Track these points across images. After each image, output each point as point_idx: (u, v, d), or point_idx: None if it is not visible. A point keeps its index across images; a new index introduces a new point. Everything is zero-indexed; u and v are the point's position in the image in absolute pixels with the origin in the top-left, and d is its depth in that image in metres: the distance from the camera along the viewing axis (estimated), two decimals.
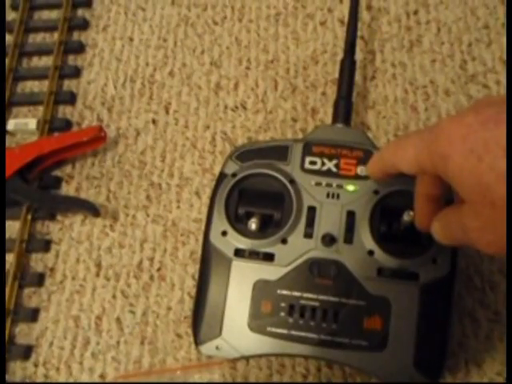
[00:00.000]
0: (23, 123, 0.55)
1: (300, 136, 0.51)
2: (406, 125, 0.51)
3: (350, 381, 0.42)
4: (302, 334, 0.38)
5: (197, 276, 0.42)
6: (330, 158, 0.41)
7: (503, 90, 0.51)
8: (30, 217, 0.51)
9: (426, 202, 0.34)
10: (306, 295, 0.38)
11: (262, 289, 0.39)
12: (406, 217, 0.37)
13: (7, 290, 0.47)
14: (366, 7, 0.57)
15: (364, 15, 0.56)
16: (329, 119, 0.47)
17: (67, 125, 0.55)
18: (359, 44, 0.54)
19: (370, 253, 0.38)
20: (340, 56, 0.49)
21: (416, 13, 0.56)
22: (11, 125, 0.55)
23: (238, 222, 0.40)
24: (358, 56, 0.53)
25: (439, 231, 0.32)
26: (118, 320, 0.47)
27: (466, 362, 0.42)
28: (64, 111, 0.56)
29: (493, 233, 0.27)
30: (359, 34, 0.55)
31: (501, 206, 0.26)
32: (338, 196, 0.40)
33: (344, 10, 0.56)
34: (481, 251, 0.29)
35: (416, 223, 0.36)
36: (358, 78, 0.53)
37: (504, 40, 0.53)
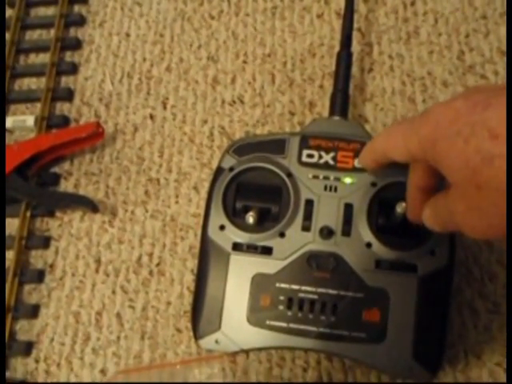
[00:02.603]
0: (21, 120, 0.55)
1: (298, 129, 0.51)
2: (403, 117, 0.51)
3: (349, 374, 0.42)
4: (301, 326, 0.38)
5: (196, 271, 0.42)
6: (327, 151, 0.41)
7: (501, 81, 0.51)
8: (29, 214, 0.51)
9: (418, 193, 0.34)
10: (304, 288, 0.38)
11: (260, 282, 0.39)
12: (399, 208, 0.37)
13: (8, 286, 0.48)
14: None
15: (361, 7, 0.56)
16: (326, 112, 0.47)
17: (65, 121, 0.55)
18: (356, 36, 0.54)
19: (368, 245, 0.38)
20: (337, 48, 0.48)
21: (413, 4, 0.55)
22: (9, 122, 0.55)
23: (235, 216, 0.40)
24: (356, 48, 0.53)
25: (429, 217, 0.32)
26: (118, 315, 0.47)
27: (466, 353, 0.42)
28: (62, 108, 0.56)
29: (478, 216, 0.27)
30: (356, 26, 0.54)
31: (486, 189, 0.26)
32: (336, 189, 0.40)
33: (341, 3, 0.56)
34: (467, 236, 0.29)
35: (408, 214, 0.36)
36: (355, 70, 0.53)
37: (502, 30, 0.53)
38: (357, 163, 0.41)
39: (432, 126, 0.28)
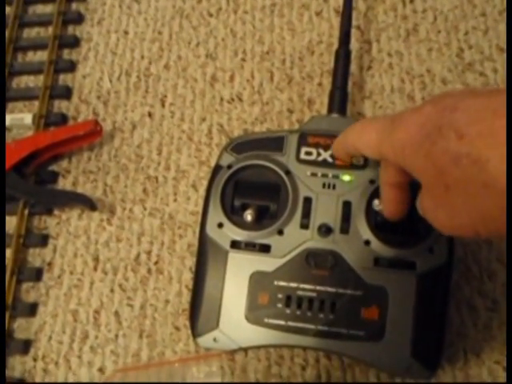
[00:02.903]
0: (19, 118, 0.55)
1: (296, 127, 0.51)
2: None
3: (348, 371, 0.42)
4: (300, 324, 0.38)
5: (194, 269, 0.42)
6: (326, 149, 0.41)
7: (500, 78, 0.51)
8: (26, 212, 0.51)
9: (391, 190, 0.35)
10: (302, 286, 0.38)
11: (258, 280, 0.39)
12: (376, 206, 0.37)
13: (6, 285, 0.47)
14: None
15: (360, 4, 0.56)
16: (325, 109, 0.47)
17: (63, 119, 0.55)
18: (355, 34, 0.54)
19: (367, 243, 0.38)
20: (336, 46, 0.48)
21: (412, 1, 0.55)
22: (7, 120, 0.55)
23: (233, 213, 0.40)
24: (354, 46, 0.53)
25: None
26: (117, 313, 0.47)
27: (465, 351, 0.42)
28: (60, 106, 0.56)
29: (446, 214, 0.28)
30: (355, 23, 0.54)
31: (454, 189, 0.26)
32: (334, 186, 0.40)
33: (339, 0, 0.56)
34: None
35: (384, 211, 0.36)
36: (354, 67, 0.52)
37: (501, 28, 0.53)
38: (355, 161, 0.40)
39: (403, 131, 0.29)
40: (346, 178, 0.40)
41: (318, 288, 0.38)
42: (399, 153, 0.29)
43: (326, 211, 0.39)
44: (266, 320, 0.38)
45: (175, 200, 0.50)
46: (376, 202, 0.37)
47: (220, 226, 0.40)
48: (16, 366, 0.46)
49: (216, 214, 0.40)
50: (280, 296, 0.38)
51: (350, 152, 0.36)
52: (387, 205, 0.36)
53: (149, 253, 0.48)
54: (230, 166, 0.41)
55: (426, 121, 0.28)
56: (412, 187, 0.34)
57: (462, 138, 0.26)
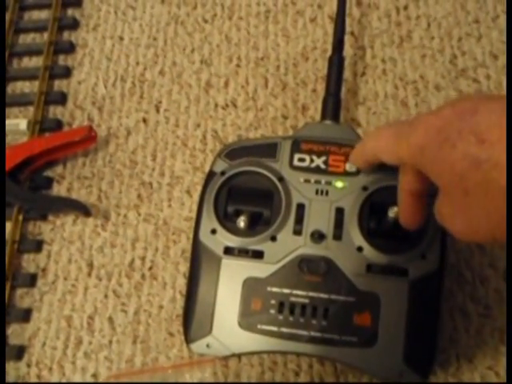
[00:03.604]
0: (14, 124, 0.55)
1: (291, 133, 0.51)
2: (396, 120, 0.51)
3: (341, 377, 0.42)
4: (292, 331, 0.38)
5: (187, 274, 0.42)
6: (319, 155, 0.41)
7: (493, 85, 0.51)
8: (21, 217, 0.51)
9: (409, 197, 0.34)
10: (295, 292, 0.38)
11: (251, 286, 0.39)
12: (391, 213, 0.37)
13: None
14: (356, 3, 0.56)
15: (354, 11, 0.56)
16: (319, 116, 0.47)
17: (58, 125, 0.55)
18: (349, 40, 0.54)
19: (359, 249, 0.38)
20: (330, 52, 0.48)
21: (406, 8, 0.56)
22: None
23: (227, 220, 0.40)
24: (348, 52, 0.53)
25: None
26: (111, 319, 0.47)
27: (457, 356, 0.42)
28: (55, 111, 0.56)
29: (465, 220, 0.28)
30: (349, 29, 0.55)
31: (474, 194, 0.26)
32: (327, 193, 0.40)
33: (334, 6, 0.56)
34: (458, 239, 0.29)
35: (400, 219, 0.36)
36: (348, 74, 0.53)
37: (494, 34, 0.53)
38: (348, 167, 0.41)
39: (421, 134, 0.29)
40: (339, 184, 0.40)
41: (311, 294, 0.38)
42: (417, 156, 0.29)
43: (319, 217, 0.40)
44: (259, 326, 0.38)
45: (169, 206, 0.50)
46: (394, 208, 0.37)
47: (213, 232, 0.40)
48: (10, 371, 0.46)
49: (209, 221, 0.40)
50: (273, 302, 0.38)
51: (368, 159, 0.35)
52: (404, 213, 0.35)
53: (143, 258, 0.49)
54: (223, 173, 0.42)
55: (444, 124, 0.27)
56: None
57: (483, 143, 0.25)
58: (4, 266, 0.48)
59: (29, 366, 0.46)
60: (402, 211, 0.35)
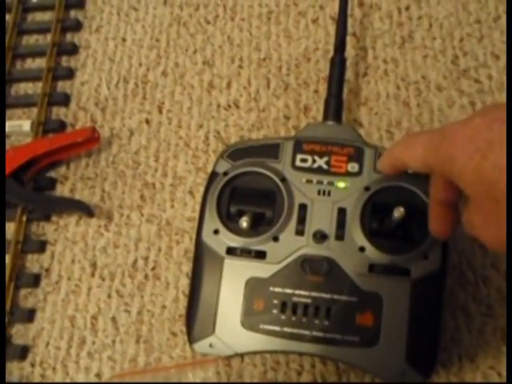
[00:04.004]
0: (17, 125, 0.55)
1: (293, 133, 0.51)
2: (398, 121, 0.51)
3: (344, 377, 0.43)
4: (295, 330, 0.38)
5: (190, 274, 0.42)
6: (321, 156, 0.41)
7: (495, 85, 0.51)
8: (25, 218, 0.51)
9: (438, 207, 0.34)
10: (298, 292, 0.39)
11: (254, 286, 0.39)
12: (397, 213, 0.37)
13: None
14: (358, 3, 0.57)
15: (356, 12, 0.56)
16: (321, 116, 0.47)
17: (61, 126, 0.55)
18: (351, 41, 0.54)
19: (362, 249, 0.39)
20: (332, 53, 0.49)
21: (407, 8, 0.56)
22: (6, 127, 0.55)
23: (229, 220, 0.41)
24: (350, 53, 0.54)
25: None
26: (114, 319, 0.47)
27: (459, 356, 0.42)
28: (58, 112, 0.56)
29: (496, 228, 0.28)
30: (351, 30, 0.55)
31: (503, 202, 0.26)
32: (329, 193, 0.40)
33: (336, 7, 0.56)
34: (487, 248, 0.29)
35: (430, 229, 0.35)
36: (349, 74, 0.53)
37: (496, 35, 0.53)
38: (350, 168, 0.41)
39: (451, 143, 0.29)
40: (341, 184, 0.40)
41: (313, 294, 0.38)
42: (447, 166, 0.29)
43: (321, 218, 0.40)
44: (261, 326, 0.38)
45: (172, 206, 0.50)
46: (401, 209, 0.37)
47: (216, 232, 0.40)
48: (14, 371, 0.46)
49: (212, 221, 0.40)
50: (275, 302, 0.39)
51: (397, 166, 0.35)
52: (434, 222, 0.35)
53: (146, 259, 0.49)
54: (226, 173, 0.42)
55: (475, 134, 0.27)
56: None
57: None
58: (4, 267, 0.49)
59: (33, 365, 0.47)
60: (432, 221, 0.35)
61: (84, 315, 0.47)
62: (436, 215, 0.35)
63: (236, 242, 0.40)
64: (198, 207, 0.48)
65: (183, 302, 0.46)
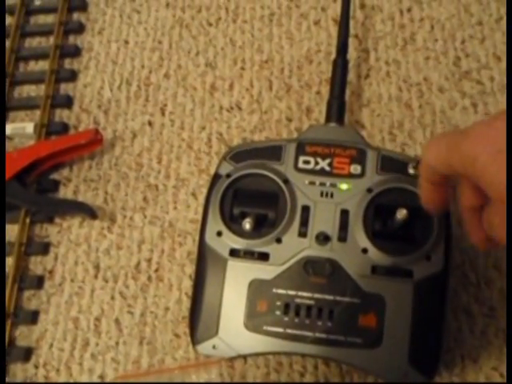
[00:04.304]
0: (21, 127, 0.55)
1: (295, 135, 0.52)
2: (400, 122, 0.51)
3: (347, 378, 0.43)
4: (298, 332, 0.38)
5: (193, 276, 0.42)
6: (324, 157, 0.42)
7: (497, 87, 0.51)
8: (28, 220, 0.51)
9: (470, 213, 0.34)
10: (300, 294, 0.39)
11: (257, 288, 0.39)
12: (399, 215, 0.37)
13: (7, 292, 0.48)
14: (360, 5, 0.57)
15: (358, 14, 0.56)
16: (324, 118, 0.47)
17: (64, 128, 0.55)
18: (353, 42, 0.55)
19: (364, 251, 0.39)
20: (334, 55, 0.49)
21: (409, 10, 0.56)
22: (9, 129, 0.55)
23: (232, 222, 0.41)
24: (352, 54, 0.54)
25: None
26: (117, 321, 0.47)
27: (462, 357, 0.42)
28: (61, 115, 0.57)
29: None
30: (353, 32, 0.55)
31: None
32: (332, 195, 0.40)
33: (338, 9, 0.56)
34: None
35: (471, 237, 0.35)
36: (352, 76, 0.53)
37: (497, 36, 0.53)
38: (353, 169, 0.41)
39: (473, 143, 0.29)
40: (344, 186, 0.41)
41: (316, 296, 0.38)
42: (469, 166, 0.29)
43: (324, 219, 0.40)
44: (264, 327, 0.39)
45: (175, 208, 0.51)
46: (403, 211, 0.37)
47: (219, 234, 0.40)
48: (17, 373, 0.47)
49: (215, 223, 0.41)
50: (278, 304, 0.39)
51: (426, 170, 0.34)
52: (470, 229, 0.34)
53: (149, 260, 0.49)
54: (228, 175, 0.42)
55: (497, 135, 0.28)
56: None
57: None
58: (4, 267, 0.49)
59: (36, 367, 0.47)
60: (468, 229, 0.34)
61: (87, 317, 0.48)
62: (470, 221, 0.34)
63: (239, 243, 0.40)
64: (200, 209, 0.48)
65: (186, 303, 0.47)
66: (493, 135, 0.28)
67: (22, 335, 0.48)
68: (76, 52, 0.59)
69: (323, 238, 0.39)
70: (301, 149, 0.42)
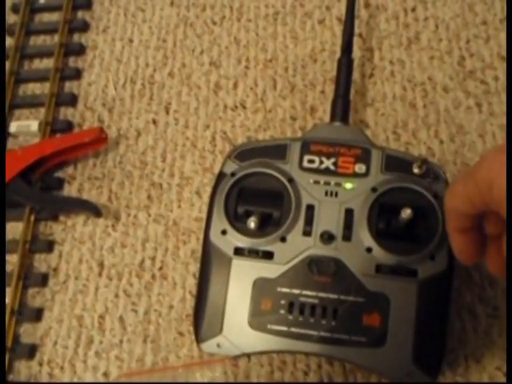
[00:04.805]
0: (25, 125, 0.55)
1: (299, 134, 0.52)
2: (404, 122, 0.51)
3: (350, 377, 0.43)
4: (302, 331, 0.38)
5: (198, 275, 0.42)
6: (328, 157, 0.42)
7: (501, 86, 0.51)
8: (33, 218, 0.51)
9: (494, 242, 0.33)
10: (305, 292, 0.39)
11: (261, 287, 0.39)
12: (404, 214, 0.37)
13: (12, 290, 0.48)
14: (364, 5, 0.57)
15: (362, 13, 0.56)
16: (328, 117, 0.47)
17: (69, 126, 0.56)
18: (357, 42, 0.55)
19: (369, 250, 0.39)
20: (338, 54, 0.49)
21: (414, 10, 0.56)
22: (13, 127, 0.55)
23: (237, 220, 0.41)
24: (357, 54, 0.54)
25: None
26: (121, 319, 0.47)
27: (466, 357, 0.42)
28: (65, 113, 0.57)
29: None
30: (357, 31, 0.55)
31: None
32: (337, 194, 0.41)
33: (342, 8, 0.56)
34: None
35: (489, 266, 0.34)
36: (356, 75, 0.53)
37: (502, 36, 0.53)
38: (357, 169, 0.41)
39: (487, 170, 0.29)
40: (349, 185, 0.41)
41: (321, 294, 0.39)
42: (486, 193, 0.29)
43: (329, 219, 0.40)
44: (268, 326, 0.39)
45: (179, 206, 0.51)
46: (407, 210, 0.37)
47: (224, 232, 0.40)
48: (22, 370, 0.47)
49: (220, 221, 0.41)
50: (283, 302, 0.39)
51: (450, 217, 0.33)
52: (489, 260, 0.34)
53: (153, 259, 0.49)
54: (233, 174, 0.42)
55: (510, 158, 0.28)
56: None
57: None
58: (4, 267, 0.49)
59: (40, 364, 0.47)
60: (486, 259, 0.34)
61: (91, 315, 0.48)
62: (491, 251, 0.33)
63: (243, 242, 0.40)
64: (204, 207, 0.49)
65: (190, 301, 0.47)
66: (505, 160, 0.28)
67: (27, 332, 0.48)
68: (80, 50, 0.59)
69: (328, 237, 0.39)
70: (305, 148, 0.42)
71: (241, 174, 0.42)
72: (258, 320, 0.39)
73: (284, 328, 0.38)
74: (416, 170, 0.40)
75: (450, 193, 0.32)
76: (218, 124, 0.54)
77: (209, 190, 0.50)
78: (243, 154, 0.43)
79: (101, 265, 0.49)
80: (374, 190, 0.40)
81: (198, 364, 0.44)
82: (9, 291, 0.48)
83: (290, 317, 0.39)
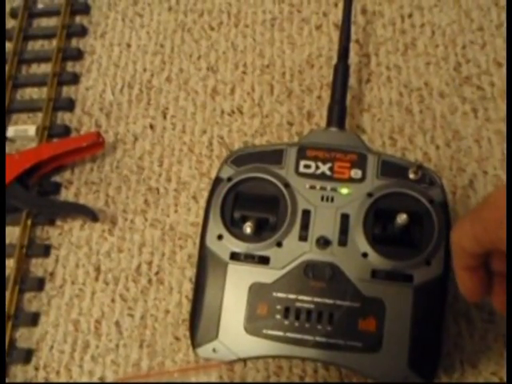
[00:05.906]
0: (22, 130, 0.55)
1: (296, 139, 0.52)
2: (400, 127, 0.51)
3: (346, 381, 0.43)
4: (298, 335, 0.38)
5: (194, 279, 0.42)
6: (324, 162, 0.42)
7: (497, 92, 0.51)
8: (29, 222, 0.51)
9: (501, 280, 0.33)
10: (301, 297, 0.39)
11: (257, 291, 0.39)
12: (400, 219, 0.38)
13: (8, 294, 0.48)
14: (361, 11, 0.57)
15: (359, 19, 0.57)
16: (324, 122, 0.48)
17: (66, 131, 0.56)
18: (354, 47, 0.55)
19: (364, 255, 0.39)
20: (335, 60, 0.49)
21: (410, 16, 0.56)
22: (11, 132, 0.55)
23: (233, 225, 0.41)
24: (353, 59, 0.54)
25: None
26: (117, 323, 0.47)
27: (462, 362, 0.42)
28: (63, 117, 0.57)
29: None
30: (354, 37, 0.55)
31: None
32: (333, 199, 0.41)
33: (339, 14, 0.56)
34: None
35: (494, 303, 0.34)
36: (353, 81, 0.53)
37: (498, 42, 0.53)
38: (353, 174, 0.41)
39: (493, 209, 0.28)
40: (344, 190, 0.41)
41: (316, 299, 0.39)
42: (494, 231, 0.28)
43: (325, 224, 0.40)
44: (264, 331, 0.39)
45: (176, 211, 0.51)
46: (403, 215, 0.37)
47: (220, 237, 0.40)
48: (18, 374, 0.47)
49: (216, 226, 0.41)
50: (279, 307, 0.39)
51: (457, 255, 0.33)
52: (495, 297, 0.34)
53: (149, 263, 0.49)
54: (230, 179, 0.42)
55: None
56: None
57: None
58: (4, 267, 0.49)
59: (36, 369, 0.47)
60: (492, 296, 0.34)
61: (88, 319, 0.48)
62: (498, 288, 0.33)
63: (240, 247, 0.40)
64: (201, 212, 0.49)
65: (186, 306, 0.47)
66: (506, 200, 0.28)
67: (23, 337, 0.48)
68: (78, 55, 0.59)
69: (323, 242, 0.39)
70: (302, 153, 0.42)
71: (237, 178, 0.42)
72: (253, 325, 0.39)
73: (280, 333, 0.38)
74: (412, 176, 0.41)
75: (456, 232, 0.32)
76: (215, 129, 0.54)
77: (205, 194, 0.49)
78: (240, 158, 0.43)
79: (97, 269, 0.49)
80: (369, 195, 0.40)
81: (194, 369, 0.44)
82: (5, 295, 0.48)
83: (286, 322, 0.39)
